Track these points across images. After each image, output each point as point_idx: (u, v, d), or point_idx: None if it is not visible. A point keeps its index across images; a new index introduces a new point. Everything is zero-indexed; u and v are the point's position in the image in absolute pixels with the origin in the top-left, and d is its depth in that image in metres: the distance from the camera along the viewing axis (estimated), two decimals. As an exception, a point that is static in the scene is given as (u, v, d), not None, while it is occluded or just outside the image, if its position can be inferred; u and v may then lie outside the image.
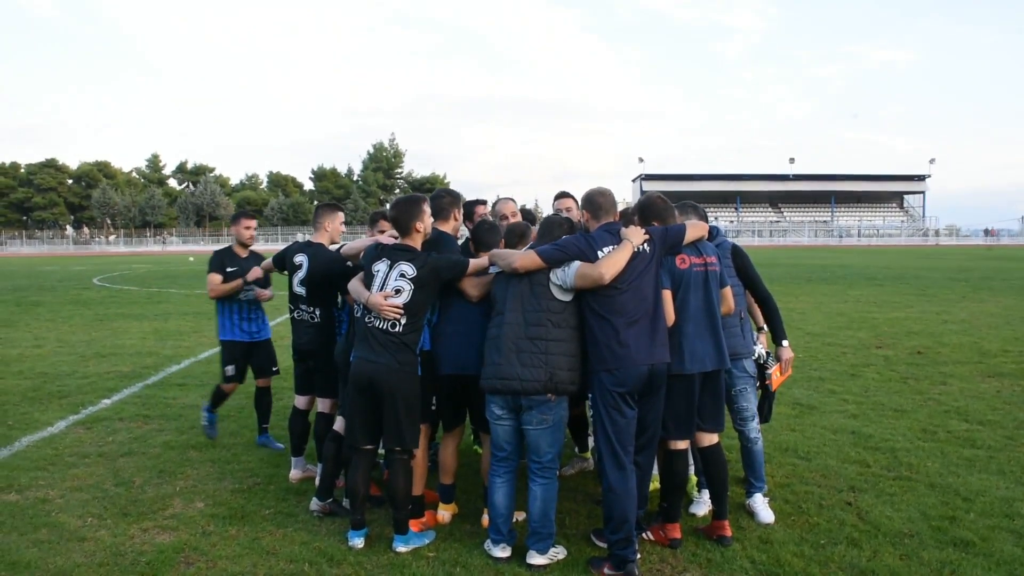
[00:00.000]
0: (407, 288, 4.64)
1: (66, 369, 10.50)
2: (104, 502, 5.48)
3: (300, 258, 5.74)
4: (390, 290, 4.65)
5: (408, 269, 4.67)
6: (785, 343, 5.40)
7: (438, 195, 5.26)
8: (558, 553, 4.56)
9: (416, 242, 4.83)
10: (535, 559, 4.45)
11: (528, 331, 4.42)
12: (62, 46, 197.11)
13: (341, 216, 6.00)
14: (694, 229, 4.76)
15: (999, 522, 5.04)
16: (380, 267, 4.74)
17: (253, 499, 5.55)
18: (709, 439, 4.88)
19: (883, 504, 5.37)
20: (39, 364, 10.94)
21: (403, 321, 4.63)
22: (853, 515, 5.19)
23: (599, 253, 4.40)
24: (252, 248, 6.95)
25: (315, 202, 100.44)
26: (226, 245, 6.95)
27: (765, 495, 5.31)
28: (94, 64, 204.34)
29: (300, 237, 6.45)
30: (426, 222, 4.86)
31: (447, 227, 5.16)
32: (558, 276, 4.42)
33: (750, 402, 5.31)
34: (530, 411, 4.43)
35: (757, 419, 5.38)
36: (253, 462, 6.38)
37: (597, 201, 4.71)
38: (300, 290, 5.72)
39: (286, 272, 5.86)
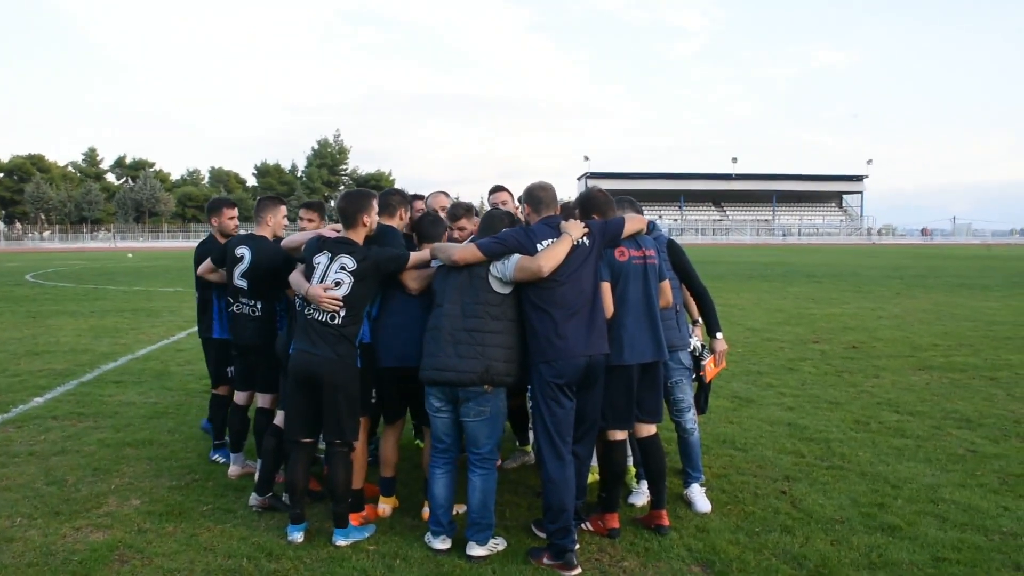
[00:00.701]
0: (347, 281, 4.63)
1: (-4, 367, 10.19)
2: (35, 501, 5.34)
3: (242, 250, 5.65)
4: (330, 282, 4.64)
5: (348, 262, 4.65)
6: (719, 335, 5.50)
7: (388, 192, 5.29)
8: (498, 544, 4.59)
9: (359, 236, 4.82)
10: (475, 550, 4.47)
11: (465, 323, 4.44)
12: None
13: (283, 210, 5.93)
14: (632, 222, 4.82)
15: (925, 507, 5.22)
16: (321, 259, 4.72)
17: (191, 496, 5.46)
18: (647, 430, 4.95)
19: (816, 492, 5.51)
20: (-33, 362, 10.58)
21: (342, 313, 4.62)
22: (787, 503, 5.32)
23: (538, 246, 4.44)
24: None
25: (258, 198, 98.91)
26: (206, 236, 6.62)
27: (702, 485, 5.41)
28: (28, 52, 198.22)
29: (242, 232, 6.24)
30: (373, 217, 4.87)
31: (393, 222, 5.17)
32: (497, 269, 4.45)
33: (686, 393, 5.40)
34: (467, 403, 4.45)
35: (693, 410, 5.47)
36: (191, 459, 6.28)
37: (538, 195, 4.76)
38: (241, 283, 5.63)
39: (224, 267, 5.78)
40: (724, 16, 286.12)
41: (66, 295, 21.22)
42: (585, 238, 4.56)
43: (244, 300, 5.64)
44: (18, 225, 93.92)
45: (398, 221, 5.22)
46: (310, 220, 5.96)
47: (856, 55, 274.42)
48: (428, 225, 5.15)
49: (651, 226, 5.26)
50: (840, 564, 4.39)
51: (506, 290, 4.47)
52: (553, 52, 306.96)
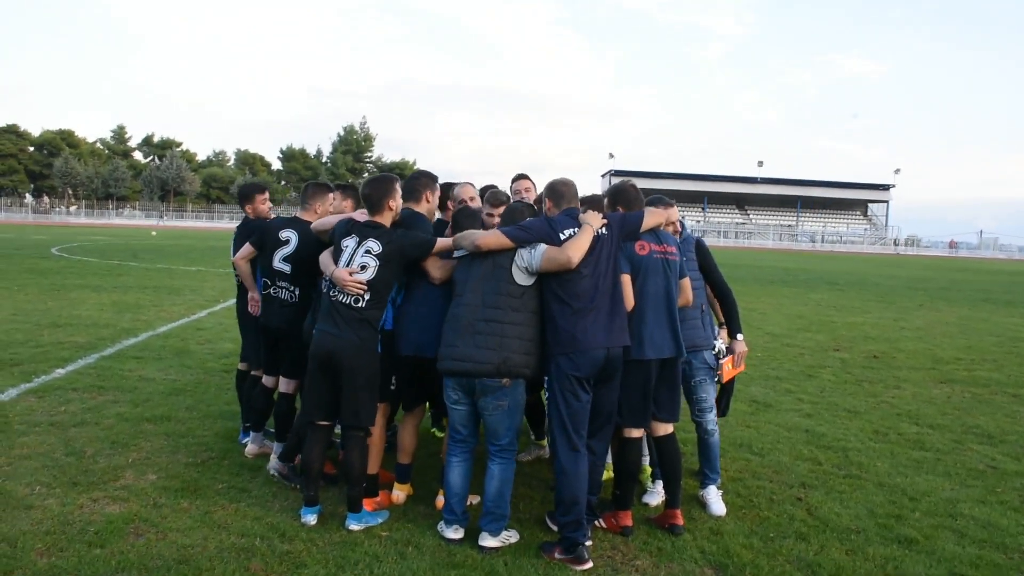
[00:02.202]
0: (372, 264, 4.64)
1: (19, 337, 10.29)
2: (54, 471, 5.39)
3: (288, 234, 5.57)
4: (356, 266, 4.65)
5: (374, 246, 4.67)
6: (740, 337, 5.46)
7: (413, 177, 5.27)
8: (510, 536, 4.58)
9: (386, 220, 4.83)
10: (487, 541, 4.46)
11: (485, 313, 4.44)
12: (24, 7, 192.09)
13: (331, 198, 5.84)
14: (652, 216, 4.80)
15: (943, 521, 5.16)
16: (349, 243, 4.74)
17: (207, 473, 5.49)
18: (664, 429, 4.92)
19: (832, 501, 5.46)
20: (-8, 331, 10.70)
21: (367, 297, 4.63)
22: (803, 510, 5.27)
23: (561, 235, 4.45)
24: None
25: (283, 182, 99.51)
26: (244, 219, 6.41)
27: (719, 487, 5.37)
28: (60, 29, 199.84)
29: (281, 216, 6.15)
30: (397, 200, 4.88)
31: (420, 208, 5.15)
32: (524, 258, 4.44)
33: (708, 393, 5.36)
34: (485, 396, 4.45)
35: (715, 411, 5.43)
36: (208, 436, 6.32)
37: (560, 190, 4.78)
38: (283, 267, 5.56)
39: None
40: (755, 20, 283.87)
41: (90, 270, 21.42)
42: (604, 228, 4.57)
43: (283, 284, 5.59)
44: (46, 199, 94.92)
45: (425, 205, 5.18)
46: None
47: (886, 66, 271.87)
48: (464, 219, 5.08)
49: (681, 226, 5.25)
50: (855, 574, 4.34)
51: (529, 281, 4.47)
52: (580, 48, 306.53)
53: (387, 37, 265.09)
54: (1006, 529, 5.06)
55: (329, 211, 5.75)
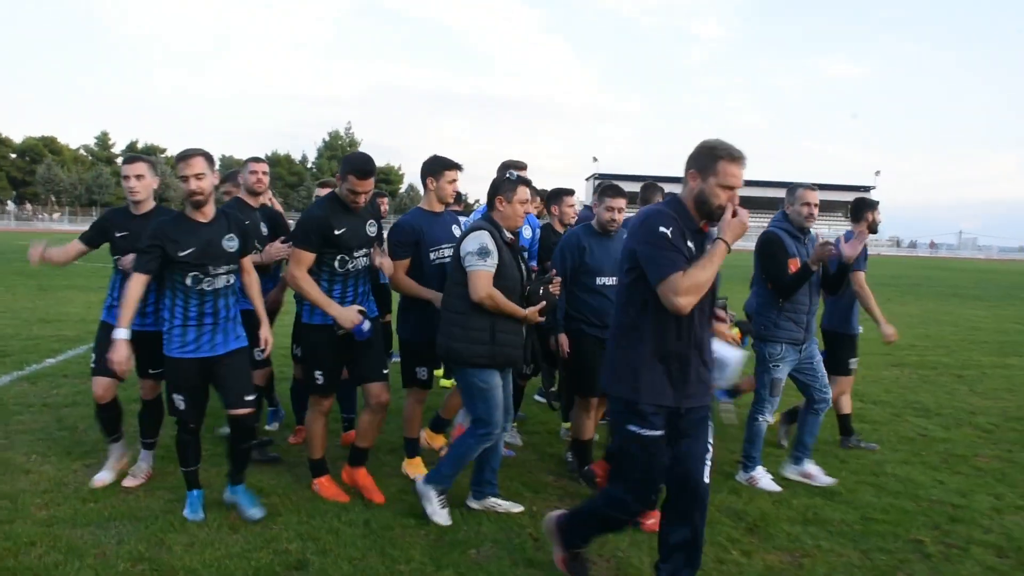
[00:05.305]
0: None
1: (10, 332, 10.67)
2: (48, 443, 5.82)
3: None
4: None
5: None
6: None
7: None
8: (438, 513, 4.63)
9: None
10: (419, 485, 4.74)
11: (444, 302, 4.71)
12: (7, 13, 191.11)
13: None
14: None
15: (866, 478, 5.67)
16: None
17: (191, 443, 5.91)
18: None
19: (768, 464, 5.91)
20: (-18, 327, 11.06)
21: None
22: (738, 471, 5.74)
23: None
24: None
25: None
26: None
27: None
28: (43, 35, 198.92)
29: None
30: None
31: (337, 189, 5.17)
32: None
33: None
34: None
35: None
36: (192, 414, 6.71)
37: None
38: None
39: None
40: (739, 25, 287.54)
41: (76, 271, 21.58)
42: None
43: None
44: (28, 206, 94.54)
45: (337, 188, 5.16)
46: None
47: (868, 68, 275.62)
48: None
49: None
50: (777, 519, 4.84)
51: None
52: (566, 54, 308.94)
53: (373, 44, 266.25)
54: (921, 484, 5.57)
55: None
